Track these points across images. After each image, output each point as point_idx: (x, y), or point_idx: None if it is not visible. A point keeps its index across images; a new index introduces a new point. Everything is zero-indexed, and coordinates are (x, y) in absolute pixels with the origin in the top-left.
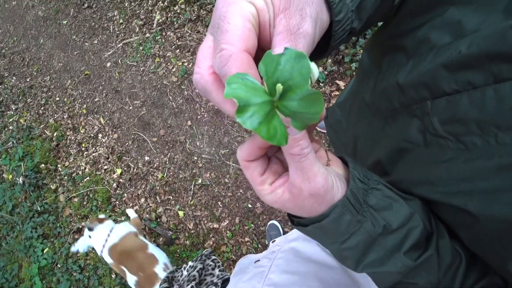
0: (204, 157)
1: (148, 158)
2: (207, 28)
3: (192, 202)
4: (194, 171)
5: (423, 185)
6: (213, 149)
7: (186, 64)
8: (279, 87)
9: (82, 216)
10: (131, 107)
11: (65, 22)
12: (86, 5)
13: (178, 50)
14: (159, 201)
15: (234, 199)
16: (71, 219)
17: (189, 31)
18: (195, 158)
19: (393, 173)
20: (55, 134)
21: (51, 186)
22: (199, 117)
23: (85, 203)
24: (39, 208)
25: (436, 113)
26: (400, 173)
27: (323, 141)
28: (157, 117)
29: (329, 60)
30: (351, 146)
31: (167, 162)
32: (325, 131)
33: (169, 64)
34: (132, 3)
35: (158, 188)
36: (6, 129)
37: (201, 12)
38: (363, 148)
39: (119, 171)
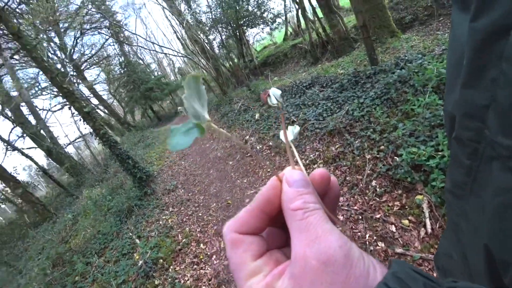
0: None
1: None
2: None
3: None
4: None
5: None
6: None
7: None
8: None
9: None
10: None
11: (230, 163)
12: (249, 154)
13: None
14: None
15: None
16: None
17: None
18: None
19: None
20: (183, 240)
21: (155, 281)
22: None
23: None
24: None
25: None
26: None
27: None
28: None
29: None
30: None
31: None
32: None
33: None
34: (282, 158)
35: None
36: (157, 222)
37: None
38: (471, 255)
39: None
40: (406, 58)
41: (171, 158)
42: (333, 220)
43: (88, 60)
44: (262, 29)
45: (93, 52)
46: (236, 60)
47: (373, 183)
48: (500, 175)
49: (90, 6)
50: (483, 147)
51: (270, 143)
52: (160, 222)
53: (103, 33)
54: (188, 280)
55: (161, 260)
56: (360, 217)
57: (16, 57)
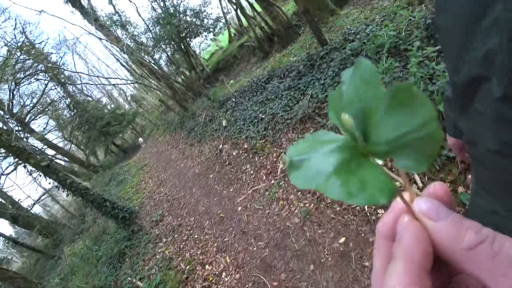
0: None
1: None
2: None
3: None
4: None
5: None
6: None
7: (307, 205)
8: (345, 118)
9: None
10: (255, 248)
11: (211, 176)
12: (227, 162)
13: (299, 193)
14: None
15: None
16: None
17: None
18: None
19: None
20: (187, 267)
21: None
22: (322, 260)
23: None
24: None
25: None
26: None
27: None
28: (279, 259)
29: None
30: None
31: None
32: None
33: (291, 206)
34: (261, 157)
35: None
36: (154, 257)
37: None
38: None
39: None
40: (353, 31)
41: (149, 188)
42: None
43: (32, 111)
44: (206, 36)
45: (34, 101)
46: (188, 73)
47: None
48: None
49: (18, 54)
50: None
51: (245, 146)
52: (157, 256)
53: (41, 79)
54: None
55: None
56: None
57: None
